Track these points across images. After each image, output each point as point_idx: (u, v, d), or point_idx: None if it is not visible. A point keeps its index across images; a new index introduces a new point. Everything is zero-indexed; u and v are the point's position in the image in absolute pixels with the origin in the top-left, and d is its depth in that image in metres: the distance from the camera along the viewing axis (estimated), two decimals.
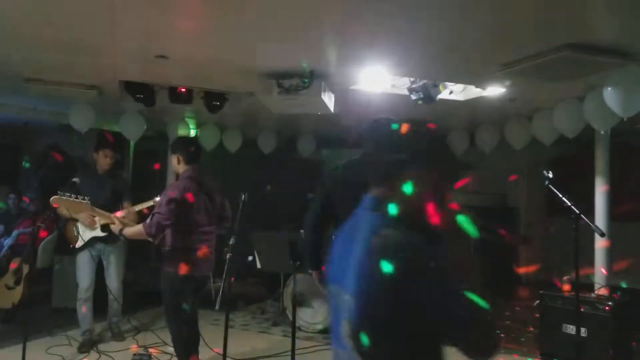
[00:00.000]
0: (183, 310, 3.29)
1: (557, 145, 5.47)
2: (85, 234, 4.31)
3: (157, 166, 6.75)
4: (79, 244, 4.30)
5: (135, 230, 3.34)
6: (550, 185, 2.75)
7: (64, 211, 4.08)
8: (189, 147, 3.45)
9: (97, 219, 4.09)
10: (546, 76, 3.74)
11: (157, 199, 3.94)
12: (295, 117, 6.35)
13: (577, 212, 2.65)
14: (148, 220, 3.23)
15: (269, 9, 2.87)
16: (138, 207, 4.05)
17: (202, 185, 3.42)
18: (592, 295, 4.22)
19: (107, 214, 3.54)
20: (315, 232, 2.79)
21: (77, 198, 3.44)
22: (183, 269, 3.24)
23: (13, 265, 5.15)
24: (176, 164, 3.45)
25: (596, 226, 2.79)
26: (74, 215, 4.05)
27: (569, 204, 2.67)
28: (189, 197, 3.25)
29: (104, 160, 4.36)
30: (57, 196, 3.41)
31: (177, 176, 3.55)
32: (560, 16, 2.78)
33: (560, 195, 2.68)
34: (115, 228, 3.39)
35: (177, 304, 3.29)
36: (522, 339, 4.92)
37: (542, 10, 2.71)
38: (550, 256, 7.73)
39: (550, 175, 2.78)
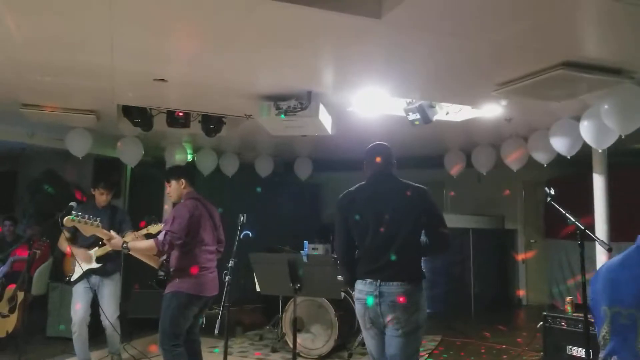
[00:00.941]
0: (187, 332, 3.26)
1: (554, 166, 5.49)
2: (78, 267, 4.24)
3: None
4: (74, 276, 4.26)
5: (144, 245, 3.40)
6: (552, 202, 2.74)
7: (64, 237, 4.16)
8: (189, 170, 3.61)
9: (92, 252, 4.19)
10: (542, 95, 3.77)
11: (153, 225, 3.94)
12: (292, 141, 6.38)
13: (582, 227, 2.63)
14: (161, 238, 3.30)
15: (266, 33, 2.91)
16: (143, 232, 3.99)
17: (205, 205, 3.61)
18: None
19: (110, 233, 3.54)
20: (348, 254, 2.85)
21: (88, 219, 3.49)
22: (192, 289, 3.30)
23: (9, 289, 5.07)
24: (181, 188, 3.63)
25: (602, 241, 2.76)
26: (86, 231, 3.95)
27: (573, 220, 2.65)
28: (199, 216, 3.43)
29: (100, 197, 4.45)
30: (70, 216, 3.44)
31: (174, 201, 3.70)
32: (555, 34, 2.82)
33: (564, 212, 2.66)
34: (116, 243, 3.41)
35: (181, 325, 3.27)
36: None
37: (537, 29, 2.75)
38: (548, 278, 7.68)
39: (552, 192, 2.77)
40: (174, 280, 3.38)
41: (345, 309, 5.01)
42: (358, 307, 2.74)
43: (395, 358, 2.62)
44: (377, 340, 2.73)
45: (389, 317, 2.61)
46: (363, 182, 2.92)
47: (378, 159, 2.88)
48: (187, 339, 3.45)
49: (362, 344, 5.12)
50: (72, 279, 4.27)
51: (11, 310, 4.99)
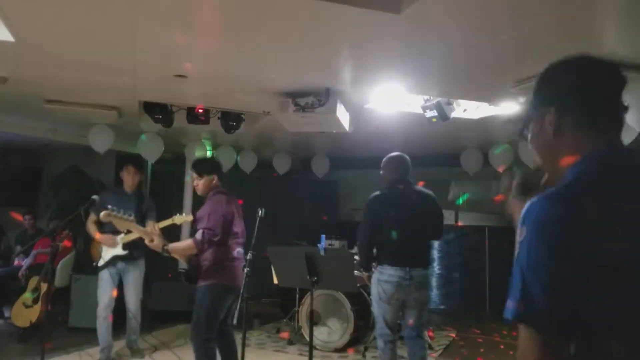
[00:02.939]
0: (221, 323, 3.36)
1: None
2: (107, 253, 4.39)
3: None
4: (101, 262, 4.38)
5: (183, 245, 3.47)
6: None
7: (91, 221, 4.35)
8: (221, 166, 3.81)
9: (118, 238, 4.28)
10: None
11: (178, 216, 3.99)
12: (310, 138, 6.43)
13: None
14: (199, 237, 3.35)
15: (285, 29, 2.95)
16: (162, 225, 4.05)
17: (232, 198, 3.66)
18: None
19: (147, 230, 3.57)
20: (369, 246, 3.59)
21: (123, 215, 3.56)
22: (227, 280, 3.38)
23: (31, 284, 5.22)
24: (211, 183, 3.65)
25: None
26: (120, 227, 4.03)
27: None
28: (231, 210, 3.50)
29: (127, 177, 4.49)
30: (106, 211, 3.51)
31: (200, 194, 3.70)
32: (575, 30, 2.81)
33: None
34: (157, 245, 3.41)
35: (217, 317, 3.34)
36: None
37: (557, 24, 2.75)
38: None
39: None
40: (208, 273, 3.42)
41: (361, 304, 5.04)
42: (387, 287, 3.45)
43: (418, 322, 3.51)
44: (395, 311, 3.51)
45: (415, 294, 3.45)
46: (386, 188, 3.66)
47: (398, 168, 3.69)
48: (221, 330, 3.49)
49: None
50: (99, 265, 4.39)
51: (35, 301, 5.13)
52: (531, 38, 2.94)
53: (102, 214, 3.51)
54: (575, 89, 1.09)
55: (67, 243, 5.59)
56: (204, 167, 3.72)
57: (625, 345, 0.89)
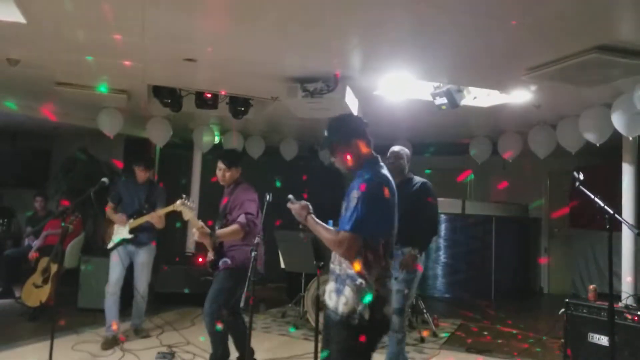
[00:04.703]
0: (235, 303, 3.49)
1: (581, 154, 5.41)
2: (115, 236, 4.60)
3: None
4: (110, 244, 4.61)
5: (230, 230, 3.61)
6: (581, 187, 2.71)
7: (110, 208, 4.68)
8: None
9: (131, 221, 4.51)
10: (573, 80, 3.71)
11: (178, 202, 4.02)
12: (317, 124, 6.41)
13: (611, 211, 2.60)
14: (243, 221, 3.55)
15: (294, 14, 2.93)
16: (163, 212, 4.27)
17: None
18: (620, 304, 4.13)
19: (203, 227, 3.61)
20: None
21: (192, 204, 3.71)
22: (258, 264, 3.48)
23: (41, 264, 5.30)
24: (237, 174, 3.84)
25: (631, 224, 2.74)
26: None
27: (602, 204, 2.63)
28: (257, 197, 3.70)
29: (140, 174, 4.73)
30: (181, 200, 3.66)
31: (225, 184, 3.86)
32: (588, 17, 2.77)
33: (592, 196, 2.64)
34: (206, 235, 3.54)
35: (234, 296, 3.51)
36: (538, 349, 4.83)
37: (570, 11, 2.71)
38: (572, 267, 7.60)
39: (582, 176, 2.74)
40: (236, 257, 3.61)
41: None
42: None
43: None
44: None
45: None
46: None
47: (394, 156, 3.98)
48: (233, 310, 3.65)
49: None
50: (109, 246, 4.61)
51: (45, 282, 5.20)
52: (544, 24, 2.91)
53: (178, 202, 3.67)
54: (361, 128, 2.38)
55: (76, 225, 5.65)
56: (236, 160, 3.90)
57: (386, 240, 2.24)
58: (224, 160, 3.80)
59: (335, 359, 2.19)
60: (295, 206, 2.40)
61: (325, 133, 2.33)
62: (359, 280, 2.12)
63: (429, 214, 3.87)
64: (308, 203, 2.42)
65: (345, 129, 2.33)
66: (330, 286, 2.26)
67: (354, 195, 2.14)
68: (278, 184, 7.11)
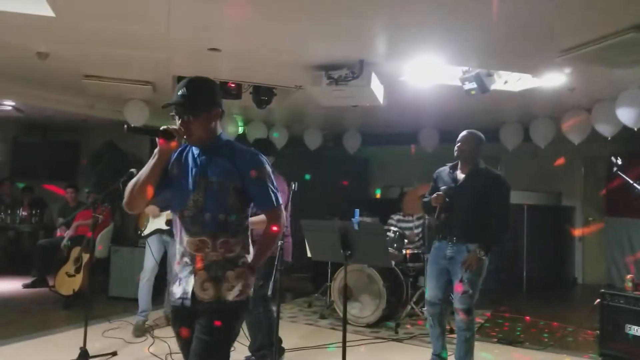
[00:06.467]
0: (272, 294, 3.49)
1: (617, 140, 5.21)
2: (151, 224, 4.63)
3: None
4: (146, 232, 4.66)
5: (257, 219, 3.54)
6: (619, 172, 2.60)
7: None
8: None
9: (164, 214, 4.51)
10: (610, 61, 3.55)
11: None
12: (342, 113, 6.35)
13: None
14: None
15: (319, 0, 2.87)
16: None
17: None
18: None
19: None
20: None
21: None
22: (283, 253, 3.45)
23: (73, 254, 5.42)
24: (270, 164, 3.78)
25: None
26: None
27: None
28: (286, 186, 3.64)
29: None
30: None
31: None
32: None
33: (631, 182, 2.53)
34: None
35: (268, 283, 3.48)
36: (571, 339, 4.70)
37: None
38: (608, 256, 7.36)
39: (620, 162, 2.63)
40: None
41: (393, 281, 5.02)
42: None
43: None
44: None
45: None
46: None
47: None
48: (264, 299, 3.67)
49: (410, 315, 5.15)
50: (142, 234, 4.67)
51: (77, 271, 5.33)
52: (579, 3, 2.78)
53: None
54: (221, 96, 2.09)
55: (105, 216, 5.75)
56: (266, 149, 3.84)
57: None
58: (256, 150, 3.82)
59: None
60: None
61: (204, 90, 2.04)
62: None
63: (498, 211, 3.45)
64: None
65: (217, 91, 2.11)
66: None
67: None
68: (307, 177, 7.12)
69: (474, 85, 4.07)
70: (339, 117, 6.87)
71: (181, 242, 2.03)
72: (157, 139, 1.94)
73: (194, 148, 2.06)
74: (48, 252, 6.17)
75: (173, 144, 1.94)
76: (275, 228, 2.05)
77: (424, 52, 3.78)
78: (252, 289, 2.02)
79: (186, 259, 2.01)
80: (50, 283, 5.89)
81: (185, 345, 2.04)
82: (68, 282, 5.30)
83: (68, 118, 7.29)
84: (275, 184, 2.10)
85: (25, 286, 6.17)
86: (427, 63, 4.04)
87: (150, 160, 1.98)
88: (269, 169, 2.09)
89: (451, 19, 3.11)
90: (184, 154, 2.08)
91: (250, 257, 2.05)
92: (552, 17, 3.00)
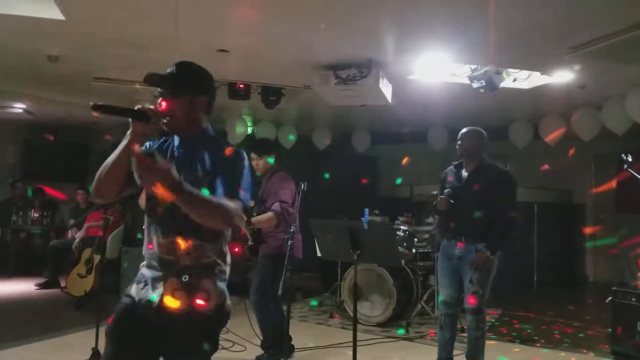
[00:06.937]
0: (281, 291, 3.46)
1: (629, 137, 5.16)
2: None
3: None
4: None
5: (265, 218, 3.67)
6: (630, 169, 2.57)
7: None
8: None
9: None
10: (621, 57, 3.52)
11: None
12: (350, 113, 6.35)
13: None
14: (278, 209, 3.61)
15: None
16: None
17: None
18: None
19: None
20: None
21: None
22: (296, 252, 3.54)
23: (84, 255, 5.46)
24: (270, 162, 3.89)
25: None
26: None
27: None
28: (294, 186, 3.75)
29: None
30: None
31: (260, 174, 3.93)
32: None
33: None
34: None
35: (277, 282, 3.45)
36: (583, 337, 4.66)
37: None
38: (619, 254, 7.30)
39: (630, 159, 2.60)
40: (274, 244, 3.67)
41: (403, 280, 5.01)
42: None
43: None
44: None
45: None
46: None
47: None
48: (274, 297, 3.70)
49: (420, 314, 5.14)
50: None
51: (88, 272, 5.37)
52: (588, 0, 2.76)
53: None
54: (212, 88, 1.92)
55: (116, 217, 5.78)
56: (265, 147, 3.94)
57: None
58: (254, 150, 3.87)
59: None
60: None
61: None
62: None
63: (505, 209, 3.36)
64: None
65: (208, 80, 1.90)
66: None
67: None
68: (326, 176, 7.14)
69: (482, 83, 4.06)
70: (347, 117, 6.87)
71: (150, 241, 1.79)
72: (130, 120, 1.68)
73: (175, 139, 1.84)
74: (59, 254, 6.23)
75: (148, 126, 1.67)
76: (230, 204, 1.66)
77: (432, 49, 3.77)
78: (228, 298, 1.81)
79: (154, 262, 1.76)
80: (62, 284, 5.94)
81: (117, 353, 1.74)
82: (80, 283, 5.34)
83: (78, 120, 7.34)
84: (248, 183, 1.78)
85: (38, 287, 6.23)
86: (436, 61, 4.03)
87: (122, 142, 1.72)
88: (247, 165, 1.80)
89: (459, 16, 3.09)
90: (165, 145, 1.87)
91: (227, 268, 1.83)
92: (561, 14, 2.98)
